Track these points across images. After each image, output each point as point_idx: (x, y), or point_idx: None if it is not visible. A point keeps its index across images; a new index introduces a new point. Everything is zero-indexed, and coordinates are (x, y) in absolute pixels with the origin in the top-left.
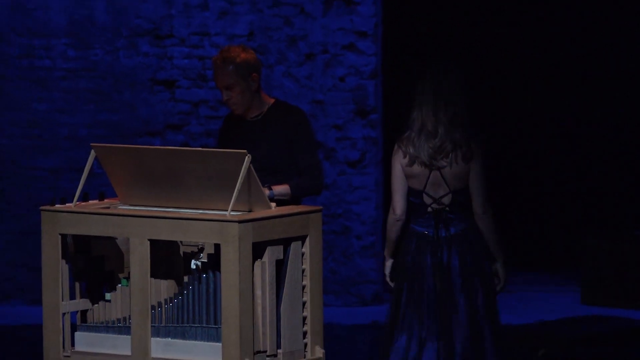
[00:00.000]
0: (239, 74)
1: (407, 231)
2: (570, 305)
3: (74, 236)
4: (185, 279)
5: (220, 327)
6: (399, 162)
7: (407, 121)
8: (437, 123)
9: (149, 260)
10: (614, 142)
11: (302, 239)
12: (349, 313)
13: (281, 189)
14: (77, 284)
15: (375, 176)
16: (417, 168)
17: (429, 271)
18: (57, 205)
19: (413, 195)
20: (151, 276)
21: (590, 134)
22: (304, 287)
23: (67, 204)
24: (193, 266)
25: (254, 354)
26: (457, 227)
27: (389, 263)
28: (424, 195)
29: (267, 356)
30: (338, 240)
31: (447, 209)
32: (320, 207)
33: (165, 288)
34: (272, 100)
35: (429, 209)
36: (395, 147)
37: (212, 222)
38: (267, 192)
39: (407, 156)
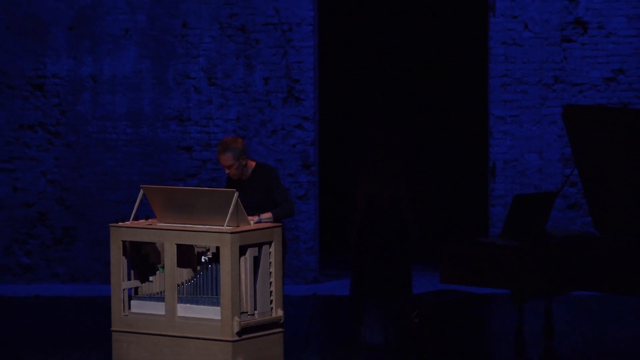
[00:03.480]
0: (234, 157)
1: (364, 220)
2: (432, 283)
3: (130, 242)
4: (198, 268)
5: (219, 297)
6: (363, 186)
7: (369, 161)
8: (382, 163)
9: (176, 256)
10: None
11: (269, 243)
12: (298, 289)
13: (266, 216)
14: (132, 271)
15: (314, 205)
16: (373, 186)
17: (377, 245)
18: (119, 223)
19: (369, 199)
20: (177, 266)
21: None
22: (270, 272)
23: (125, 222)
24: (203, 260)
25: (240, 313)
26: (396, 216)
27: (355, 240)
28: (377, 197)
29: (248, 315)
30: (291, 244)
31: (390, 205)
32: (280, 224)
33: (185, 273)
34: (254, 164)
35: (378, 206)
36: (360, 178)
37: (215, 233)
38: (256, 218)
39: (368, 182)
